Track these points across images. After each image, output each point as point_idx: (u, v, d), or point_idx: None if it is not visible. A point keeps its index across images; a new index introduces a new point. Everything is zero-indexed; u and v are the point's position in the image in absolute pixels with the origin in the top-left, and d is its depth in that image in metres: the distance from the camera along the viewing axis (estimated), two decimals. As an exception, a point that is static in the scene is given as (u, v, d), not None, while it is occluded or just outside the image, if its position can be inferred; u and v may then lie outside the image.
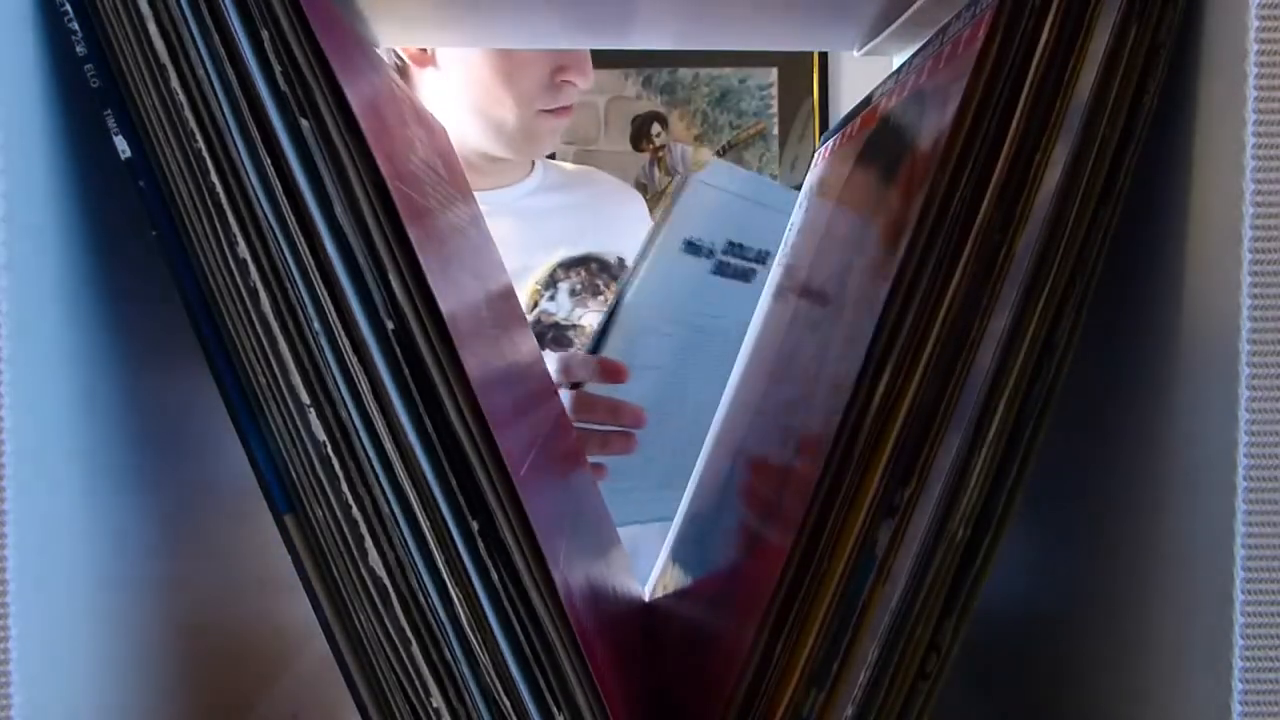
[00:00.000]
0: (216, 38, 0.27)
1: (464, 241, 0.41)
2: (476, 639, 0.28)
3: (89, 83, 0.28)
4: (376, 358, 0.27)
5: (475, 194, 0.63)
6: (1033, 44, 0.27)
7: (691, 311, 0.76)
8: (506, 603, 0.28)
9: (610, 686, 0.29)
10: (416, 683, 0.28)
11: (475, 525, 0.28)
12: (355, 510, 0.28)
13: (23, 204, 0.26)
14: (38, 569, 0.26)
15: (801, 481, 0.29)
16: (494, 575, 0.28)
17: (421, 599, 0.28)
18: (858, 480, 0.28)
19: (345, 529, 0.28)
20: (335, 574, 0.28)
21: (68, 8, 0.27)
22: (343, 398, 0.28)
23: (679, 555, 0.52)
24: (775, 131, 2.26)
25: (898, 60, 0.55)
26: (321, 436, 0.28)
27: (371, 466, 0.28)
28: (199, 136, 0.27)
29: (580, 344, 1.00)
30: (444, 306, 0.28)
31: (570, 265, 1.04)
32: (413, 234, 0.28)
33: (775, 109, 2.26)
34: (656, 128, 2.26)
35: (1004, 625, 0.40)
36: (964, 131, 0.27)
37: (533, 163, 1.12)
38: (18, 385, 0.26)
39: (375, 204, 0.27)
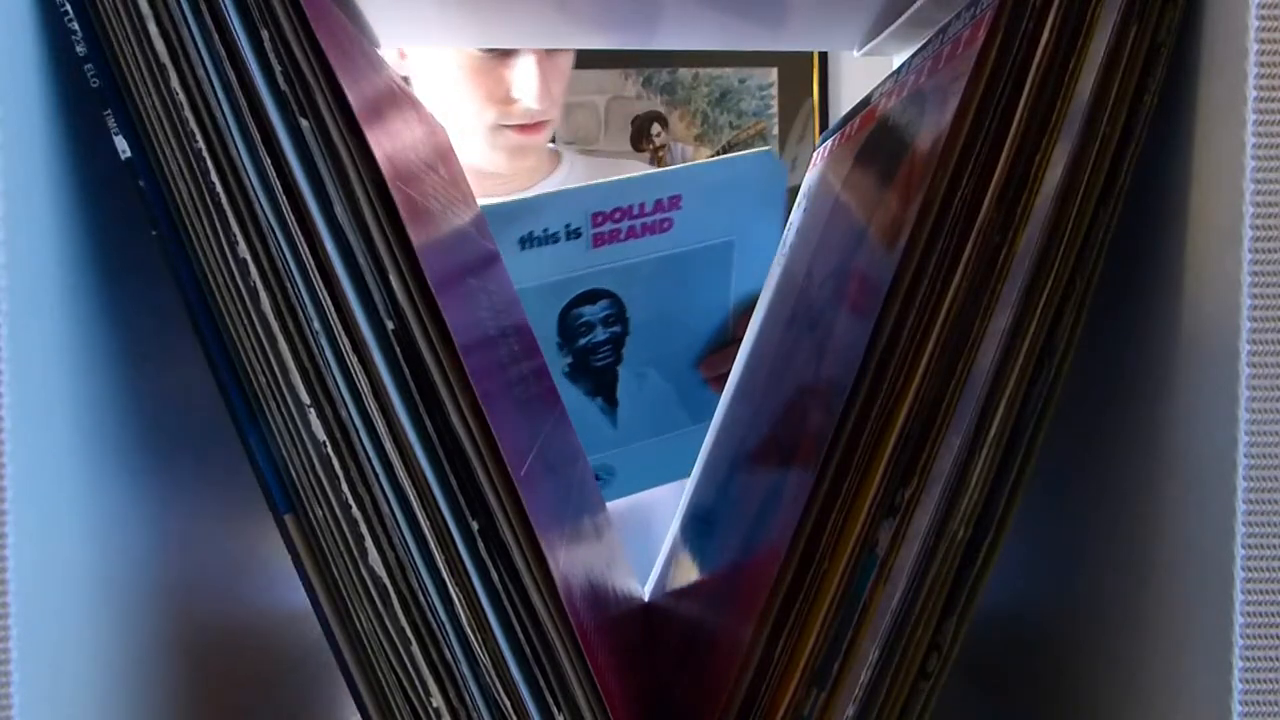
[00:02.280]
0: (216, 38, 0.27)
1: (464, 241, 0.41)
2: (476, 639, 0.28)
3: (89, 83, 0.28)
4: (376, 358, 0.27)
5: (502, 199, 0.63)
6: (1033, 44, 0.27)
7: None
8: (506, 603, 0.28)
9: (610, 686, 0.29)
10: (416, 683, 0.28)
11: (475, 525, 0.28)
12: (355, 510, 0.28)
13: (23, 204, 0.26)
14: (38, 569, 0.26)
15: (802, 481, 0.29)
16: (494, 575, 0.28)
17: (421, 599, 0.28)
18: (858, 480, 0.28)
19: (345, 529, 0.28)
20: (335, 574, 0.28)
21: (68, 8, 0.27)
22: (343, 398, 0.28)
23: (679, 554, 0.52)
24: (775, 131, 2.26)
25: (898, 60, 0.55)
26: (321, 436, 0.28)
27: (371, 466, 0.28)
28: (199, 136, 0.27)
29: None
30: (444, 306, 0.28)
31: None
32: (413, 234, 0.28)
33: (775, 109, 2.26)
34: (656, 128, 2.26)
35: (1004, 625, 0.40)
36: (964, 131, 0.27)
37: (560, 157, 1.11)
38: (18, 385, 0.26)
39: (375, 204, 0.27)
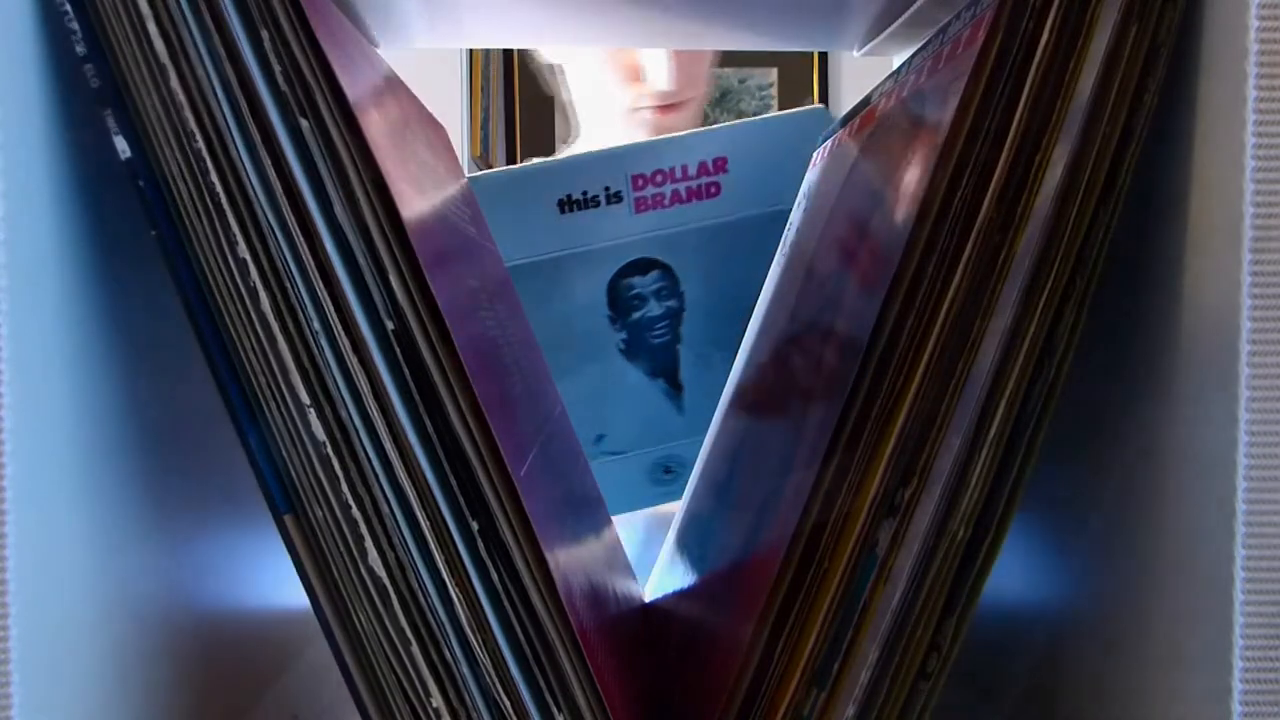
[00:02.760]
0: (216, 38, 0.27)
1: (464, 241, 0.41)
2: (476, 639, 0.28)
3: (89, 83, 0.28)
4: (376, 358, 0.27)
5: None
6: (1033, 44, 0.27)
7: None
8: (506, 603, 0.28)
9: (610, 686, 0.29)
10: (416, 683, 0.28)
11: (475, 525, 0.28)
12: (355, 510, 0.28)
13: (23, 204, 0.26)
14: (38, 569, 0.26)
15: (802, 481, 0.29)
16: (494, 575, 0.28)
17: (421, 599, 0.28)
18: (858, 480, 0.28)
19: (345, 529, 0.28)
20: (335, 574, 0.28)
21: (67, 7, 0.27)
22: (343, 398, 0.28)
23: (679, 555, 0.52)
24: (775, 131, 2.26)
25: (898, 60, 0.55)
26: (321, 436, 0.28)
27: (371, 466, 0.28)
28: (199, 136, 0.27)
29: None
30: (444, 306, 0.28)
31: None
32: (413, 234, 0.28)
33: (775, 109, 2.26)
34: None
35: (1004, 625, 0.40)
36: (964, 131, 0.27)
37: None
38: (18, 385, 0.26)
39: (375, 204, 0.27)
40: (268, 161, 0.27)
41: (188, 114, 0.27)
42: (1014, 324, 0.27)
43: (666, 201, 0.68)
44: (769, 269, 0.70)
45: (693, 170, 0.68)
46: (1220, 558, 0.26)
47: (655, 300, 0.70)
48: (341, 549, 0.28)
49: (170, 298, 0.28)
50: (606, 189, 0.66)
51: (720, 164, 0.68)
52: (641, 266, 0.69)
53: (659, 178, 0.67)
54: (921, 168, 0.29)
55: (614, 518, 0.61)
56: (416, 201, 0.32)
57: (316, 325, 0.28)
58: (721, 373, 0.74)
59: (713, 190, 0.68)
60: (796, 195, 0.65)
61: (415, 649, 0.28)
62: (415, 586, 0.28)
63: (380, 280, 0.27)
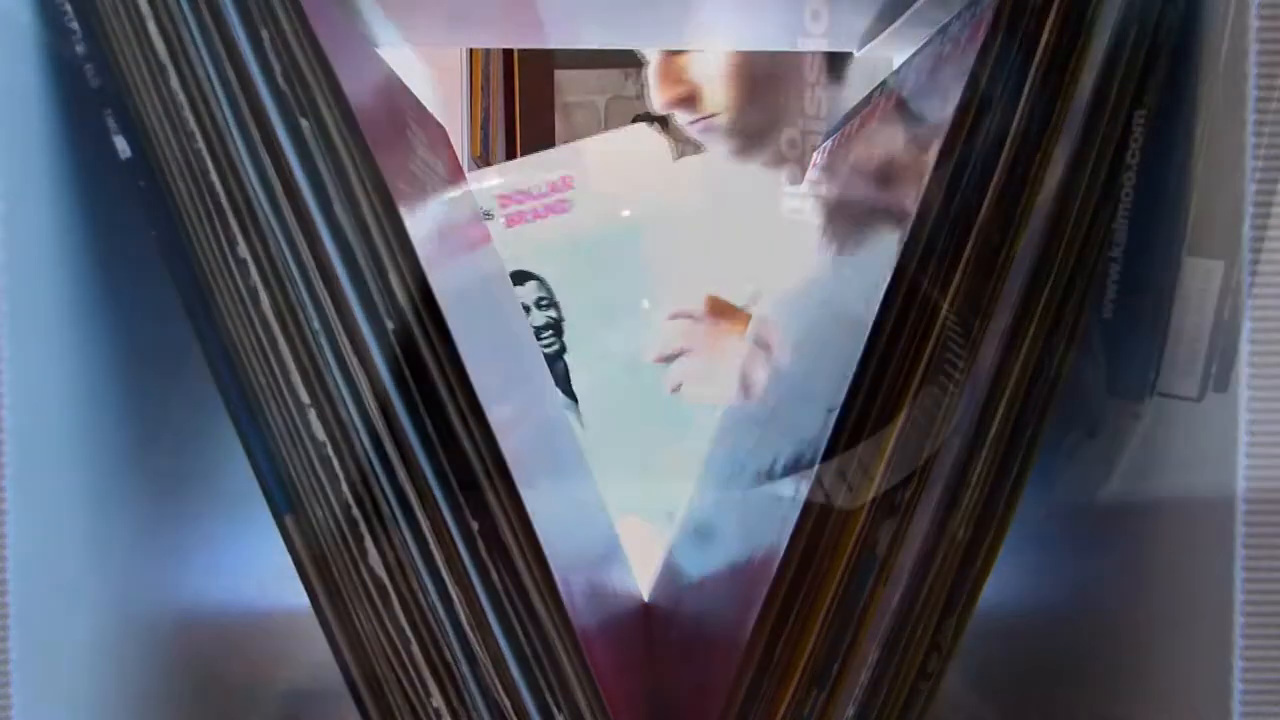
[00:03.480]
0: (216, 38, 0.27)
1: (464, 240, 0.41)
2: (476, 639, 0.28)
3: (89, 83, 0.28)
4: (376, 358, 0.27)
5: None
6: (1033, 44, 0.27)
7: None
8: (506, 603, 0.28)
9: (610, 686, 0.29)
10: (416, 683, 0.28)
11: (475, 525, 0.28)
12: (355, 510, 0.28)
13: (23, 204, 0.26)
14: (37, 569, 0.26)
15: (803, 481, 0.29)
16: (494, 575, 0.28)
17: (421, 599, 0.28)
18: (857, 480, 0.28)
19: (345, 529, 0.28)
20: (335, 574, 0.28)
21: (67, 7, 0.27)
22: (343, 398, 0.28)
23: (679, 555, 0.52)
24: (775, 131, 2.26)
25: (898, 60, 0.55)
26: (321, 436, 0.28)
27: (371, 466, 0.28)
28: (199, 136, 0.27)
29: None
30: (444, 306, 0.28)
31: None
32: (413, 234, 0.28)
33: (775, 109, 2.26)
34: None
35: (1004, 625, 0.40)
36: (964, 131, 0.27)
37: None
38: (18, 385, 0.26)
39: (375, 204, 0.27)
40: (268, 161, 0.27)
41: (188, 114, 0.27)
42: (1014, 324, 0.27)
43: (528, 217, 0.76)
44: (629, 277, 0.78)
45: (543, 189, 0.76)
46: (1220, 558, 0.26)
47: (537, 310, 0.77)
48: (341, 549, 0.28)
49: (170, 298, 0.28)
50: (479, 208, 0.74)
51: (566, 181, 0.75)
52: (519, 278, 0.77)
53: (519, 196, 0.76)
54: (921, 167, 0.29)
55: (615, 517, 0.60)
56: (416, 201, 0.32)
57: (316, 325, 0.28)
58: (621, 391, 0.79)
59: (561, 206, 0.76)
60: (642, 207, 0.73)
61: (415, 649, 0.28)
62: (415, 586, 0.28)
63: (380, 280, 0.27)
